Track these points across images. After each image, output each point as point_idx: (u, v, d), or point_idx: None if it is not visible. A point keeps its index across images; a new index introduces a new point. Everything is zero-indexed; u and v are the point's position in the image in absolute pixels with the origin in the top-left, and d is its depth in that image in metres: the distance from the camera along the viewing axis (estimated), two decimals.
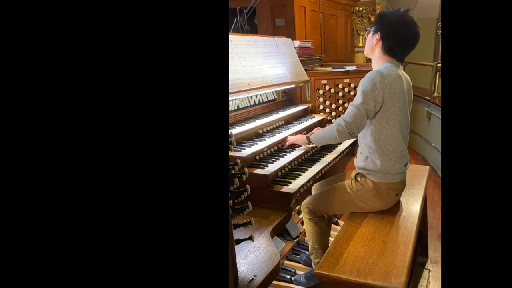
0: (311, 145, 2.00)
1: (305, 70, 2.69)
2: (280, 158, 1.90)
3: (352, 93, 2.67)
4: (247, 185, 1.25)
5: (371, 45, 1.80)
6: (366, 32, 1.86)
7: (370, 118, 1.69)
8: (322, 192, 1.91)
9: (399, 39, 1.69)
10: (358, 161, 1.82)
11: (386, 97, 1.64)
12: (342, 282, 1.34)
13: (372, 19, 6.35)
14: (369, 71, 1.72)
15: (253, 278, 1.23)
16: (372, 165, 1.73)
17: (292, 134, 2.19)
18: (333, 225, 2.63)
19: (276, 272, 1.32)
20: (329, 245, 2.19)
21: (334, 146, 2.28)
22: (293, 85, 2.58)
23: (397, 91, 1.65)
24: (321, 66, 3.18)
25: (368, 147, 1.74)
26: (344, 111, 2.68)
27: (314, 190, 2.15)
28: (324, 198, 1.86)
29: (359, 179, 1.79)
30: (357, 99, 1.67)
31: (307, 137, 1.96)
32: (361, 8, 6.24)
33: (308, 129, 2.38)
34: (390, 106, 1.65)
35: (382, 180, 1.73)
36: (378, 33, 1.74)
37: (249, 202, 1.25)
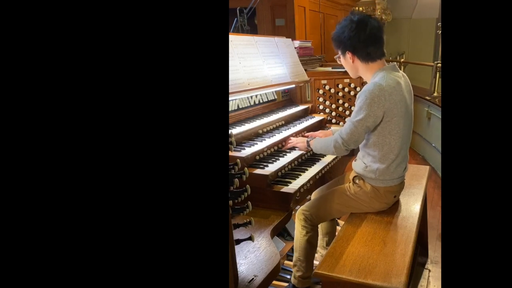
0: (310, 149, 1.99)
1: (305, 70, 2.69)
2: (280, 158, 1.90)
3: (352, 93, 2.67)
4: (247, 185, 1.25)
5: (351, 66, 1.75)
6: (337, 59, 1.82)
7: (370, 131, 1.66)
8: (320, 197, 1.88)
9: (366, 42, 1.64)
10: (357, 167, 1.79)
11: (387, 109, 1.58)
12: (342, 282, 1.34)
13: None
14: None
15: (253, 278, 1.23)
16: (371, 174, 1.71)
17: (292, 134, 2.19)
18: None
19: (276, 272, 1.32)
20: (325, 246, 2.18)
21: None
22: (293, 85, 2.58)
23: (397, 100, 1.60)
24: (321, 66, 3.18)
25: (371, 157, 1.70)
26: (344, 111, 2.70)
27: (313, 197, 2.11)
28: (322, 203, 1.83)
29: (357, 181, 1.77)
30: (356, 115, 1.62)
31: (307, 142, 1.94)
32: (361, 8, 6.24)
33: (308, 129, 2.38)
34: (392, 117, 1.60)
35: (380, 184, 1.72)
36: (347, 52, 1.70)
37: (249, 202, 1.25)
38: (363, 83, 2.62)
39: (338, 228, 2.48)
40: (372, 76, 1.69)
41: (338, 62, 1.83)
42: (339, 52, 1.76)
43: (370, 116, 1.58)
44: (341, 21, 1.72)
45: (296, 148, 2.06)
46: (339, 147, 1.69)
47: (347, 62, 1.75)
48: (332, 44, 1.78)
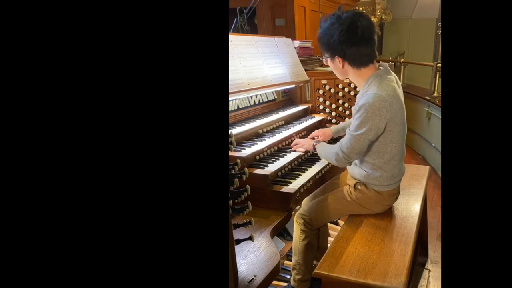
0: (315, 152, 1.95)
1: (305, 70, 2.69)
2: (280, 158, 1.90)
3: (352, 93, 2.66)
4: (247, 185, 1.25)
5: (340, 70, 1.64)
6: (324, 60, 1.69)
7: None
8: (318, 201, 1.83)
9: (358, 46, 1.53)
10: (357, 174, 1.73)
11: (389, 120, 1.52)
12: (342, 282, 1.34)
13: (373, 19, 6.35)
14: None
15: (253, 278, 1.23)
16: (374, 181, 1.68)
17: (292, 135, 2.19)
18: (333, 225, 2.63)
19: (276, 272, 1.32)
20: (317, 247, 2.14)
21: None
22: (293, 85, 2.58)
23: (397, 109, 1.54)
24: (321, 66, 3.18)
25: (371, 164, 1.66)
26: (344, 111, 2.70)
27: (304, 204, 2.05)
28: (321, 208, 1.79)
29: (359, 187, 1.72)
30: (357, 129, 1.54)
31: (313, 145, 1.91)
32: (361, 8, 6.24)
33: (308, 129, 2.38)
34: (393, 126, 1.55)
35: (384, 189, 1.69)
36: (336, 56, 1.59)
37: (249, 202, 1.25)
38: None
39: (338, 228, 2.48)
40: (365, 82, 1.60)
41: (324, 63, 1.73)
42: (325, 55, 1.64)
43: (372, 130, 1.52)
44: (326, 18, 1.57)
45: (300, 149, 2.04)
46: (340, 160, 1.64)
47: (335, 66, 1.64)
48: (319, 46, 1.66)
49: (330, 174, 2.27)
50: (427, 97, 4.45)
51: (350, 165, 1.72)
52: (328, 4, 4.91)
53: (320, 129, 2.19)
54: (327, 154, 1.76)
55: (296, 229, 1.83)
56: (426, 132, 4.61)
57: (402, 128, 1.61)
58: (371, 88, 1.55)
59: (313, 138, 2.10)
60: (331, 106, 2.73)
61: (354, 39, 1.52)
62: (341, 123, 2.19)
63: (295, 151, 2.03)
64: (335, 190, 1.86)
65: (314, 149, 1.91)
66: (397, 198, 1.82)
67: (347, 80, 2.65)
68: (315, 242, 1.88)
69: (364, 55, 1.57)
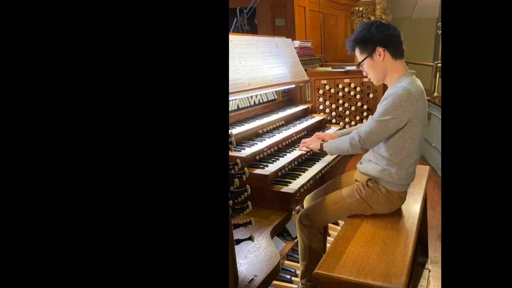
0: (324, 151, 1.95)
1: (305, 70, 2.69)
2: (280, 158, 1.90)
3: (352, 93, 2.67)
4: (247, 185, 1.25)
5: (380, 66, 1.68)
6: (361, 67, 1.75)
7: (391, 134, 1.63)
8: (321, 201, 1.82)
9: (393, 35, 1.65)
10: (371, 170, 1.74)
11: (412, 115, 1.58)
12: (342, 282, 1.34)
13: (373, 19, 6.35)
14: None
15: (253, 278, 1.23)
16: (388, 177, 1.68)
17: (292, 135, 2.19)
18: (333, 225, 2.63)
19: (276, 272, 1.32)
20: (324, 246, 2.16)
21: None
22: (293, 85, 2.58)
23: (422, 106, 1.61)
24: (321, 66, 3.18)
25: (387, 160, 1.68)
26: (344, 111, 2.70)
27: (307, 201, 2.08)
28: (325, 207, 1.78)
29: (371, 184, 1.72)
30: (379, 115, 1.60)
31: (321, 144, 1.91)
32: (361, 8, 6.24)
33: (308, 129, 2.38)
34: (416, 122, 1.60)
35: (395, 189, 1.70)
36: (377, 48, 1.64)
37: (249, 202, 1.25)
38: (362, 83, 2.62)
39: (338, 228, 2.48)
40: (396, 79, 1.67)
41: (362, 69, 1.76)
42: (364, 56, 1.69)
43: (394, 119, 1.57)
44: (356, 28, 1.73)
45: (296, 147, 2.04)
46: (355, 144, 1.67)
47: (375, 62, 1.68)
48: (356, 50, 1.71)
49: (330, 174, 2.27)
50: (427, 97, 4.44)
51: (363, 151, 1.73)
52: (328, 4, 4.91)
53: (326, 133, 2.16)
54: (339, 143, 1.78)
55: (301, 231, 1.80)
56: (426, 132, 4.57)
57: (422, 128, 1.65)
58: (402, 83, 1.63)
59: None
60: (331, 106, 2.73)
61: (387, 26, 1.66)
62: (346, 129, 2.17)
63: (301, 150, 2.02)
64: (338, 189, 1.85)
65: (321, 148, 1.91)
66: (403, 202, 1.82)
67: (347, 80, 2.66)
68: (322, 242, 1.86)
69: (399, 45, 1.66)
